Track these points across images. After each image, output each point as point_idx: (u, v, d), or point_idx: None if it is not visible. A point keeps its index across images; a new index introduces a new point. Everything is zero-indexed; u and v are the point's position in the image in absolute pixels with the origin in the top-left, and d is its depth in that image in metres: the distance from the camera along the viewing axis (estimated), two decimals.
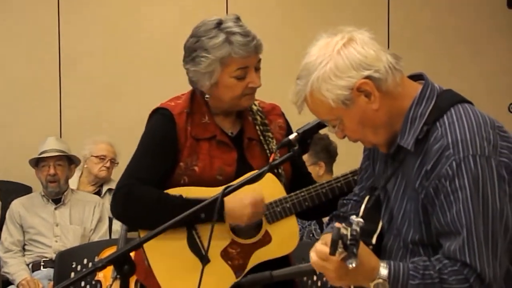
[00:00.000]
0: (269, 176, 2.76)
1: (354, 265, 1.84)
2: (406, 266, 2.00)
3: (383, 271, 1.98)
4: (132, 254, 2.29)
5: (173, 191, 2.76)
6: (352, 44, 2.06)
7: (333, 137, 4.45)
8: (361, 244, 1.95)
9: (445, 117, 2.04)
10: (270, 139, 2.86)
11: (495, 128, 2.04)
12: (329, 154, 4.72)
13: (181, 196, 2.72)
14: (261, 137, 2.86)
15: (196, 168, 2.77)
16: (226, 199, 2.61)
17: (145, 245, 2.76)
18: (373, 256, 2.01)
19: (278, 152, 2.70)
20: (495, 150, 2.00)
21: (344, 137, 2.15)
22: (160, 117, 2.83)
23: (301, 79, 2.09)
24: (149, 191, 2.75)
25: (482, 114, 2.06)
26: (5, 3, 6.38)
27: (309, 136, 2.42)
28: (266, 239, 2.80)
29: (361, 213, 2.24)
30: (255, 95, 2.82)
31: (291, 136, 2.41)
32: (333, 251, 1.87)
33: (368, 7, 6.51)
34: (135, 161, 2.83)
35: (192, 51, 2.79)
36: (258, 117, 2.91)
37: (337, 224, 1.88)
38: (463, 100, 2.09)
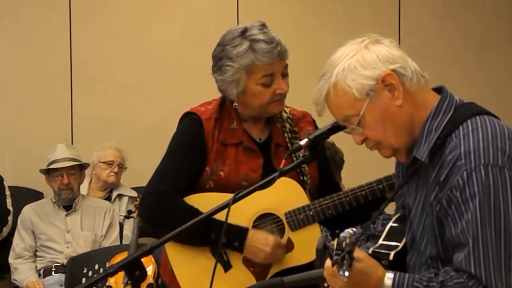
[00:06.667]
0: (293, 184, 2.79)
1: (346, 275, 1.84)
2: (411, 277, 1.98)
3: (388, 282, 1.98)
4: (148, 257, 2.29)
5: (199, 197, 2.78)
6: (380, 44, 2.08)
7: (339, 144, 4.46)
8: (366, 256, 1.97)
9: (460, 128, 2.01)
10: None
11: None
12: (335, 164, 4.72)
13: (209, 216, 2.68)
14: (289, 144, 2.87)
15: (221, 173, 2.79)
16: (251, 232, 2.70)
17: (168, 250, 2.82)
18: (378, 268, 2.00)
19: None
20: (510, 160, 1.96)
21: (362, 142, 2.11)
22: (189, 122, 2.86)
23: (326, 74, 2.08)
24: (179, 205, 2.76)
25: (501, 125, 2.03)
26: (18, 13, 6.41)
27: (319, 142, 2.42)
28: (289, 247, 2.80)
29: (385, 231, 2.23)
30: (284, 101, 2.82)
31: (302, 142, 2.41)
32: (318, 262, 1.91)
33: (379, 15, 6.52)
34: (165, 165, 2.85)
35: (218, 60, 2.80)
36: (287, 124, 2.91)
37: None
38: (484, 112, 2.06)
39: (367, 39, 2.09)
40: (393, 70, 2.03)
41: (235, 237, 2.73)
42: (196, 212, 2.72)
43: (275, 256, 2.76)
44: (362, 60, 2.04)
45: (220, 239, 2.54)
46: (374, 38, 2.09)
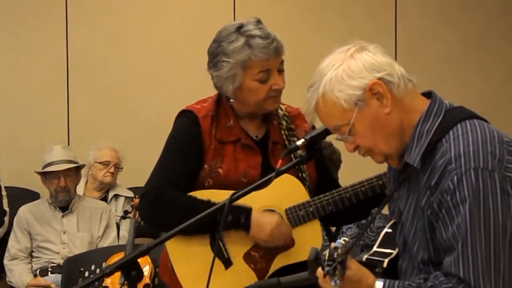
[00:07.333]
0: (293, 180, 2.79)
1: (337, 284, 1.85)
2: (400, 284, 1.99)
3: None
4: (144, 257, 2.28)
5: (197, 194, 2.78)
6: (365, 51, 2.08)
7: (336, 144, 4.46)
8: (356, 264, 1.98)
9: (450, 132, 2.02)
10: None
11: (503, 143, 2.01)
12: (333, 163, 4.71)
13: (209, 201, 2.71)
14: (286, 142, 2.87)
15: (220, 170, 2.79)
16: (256, 212, 2.69)
17: (168, 248, 2.82)
18: (369, 276, 2.01)
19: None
20: (500, 164, 1.97)
21: (354, 149, 2.12)
22: (185, 120, 2.86)
23: (314, 84, 2.09)
24: (177, 197, 2.77)
25: (490, 129, 2.04)
26: (14, 12, 6.41)
27: (316, 142, 2.42)
28: (289, 243, 2.80)
29: (380, 238, 2.24)
30: (280, 97, 2.82)
31: (299, 142, 2.42)
32: (310, 272, 1.92)
33: (376, 15, 6.52)
34: (161, 163, 2.85)
35: (214, 56, 2.80)
36: (284, 122, 2.91)
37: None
38: (473, 116, 2.07)
39: (352, 47, 2.10)
40: (380, 78, 2.04)
41: (240, 212, 2.71)
42: (195, 201, 2.73)
43: (279, 235, 2.74)
44: (348, 70, 2.05)
45: (220, 230, 2.52)
46: (360, 45, 2.10)
